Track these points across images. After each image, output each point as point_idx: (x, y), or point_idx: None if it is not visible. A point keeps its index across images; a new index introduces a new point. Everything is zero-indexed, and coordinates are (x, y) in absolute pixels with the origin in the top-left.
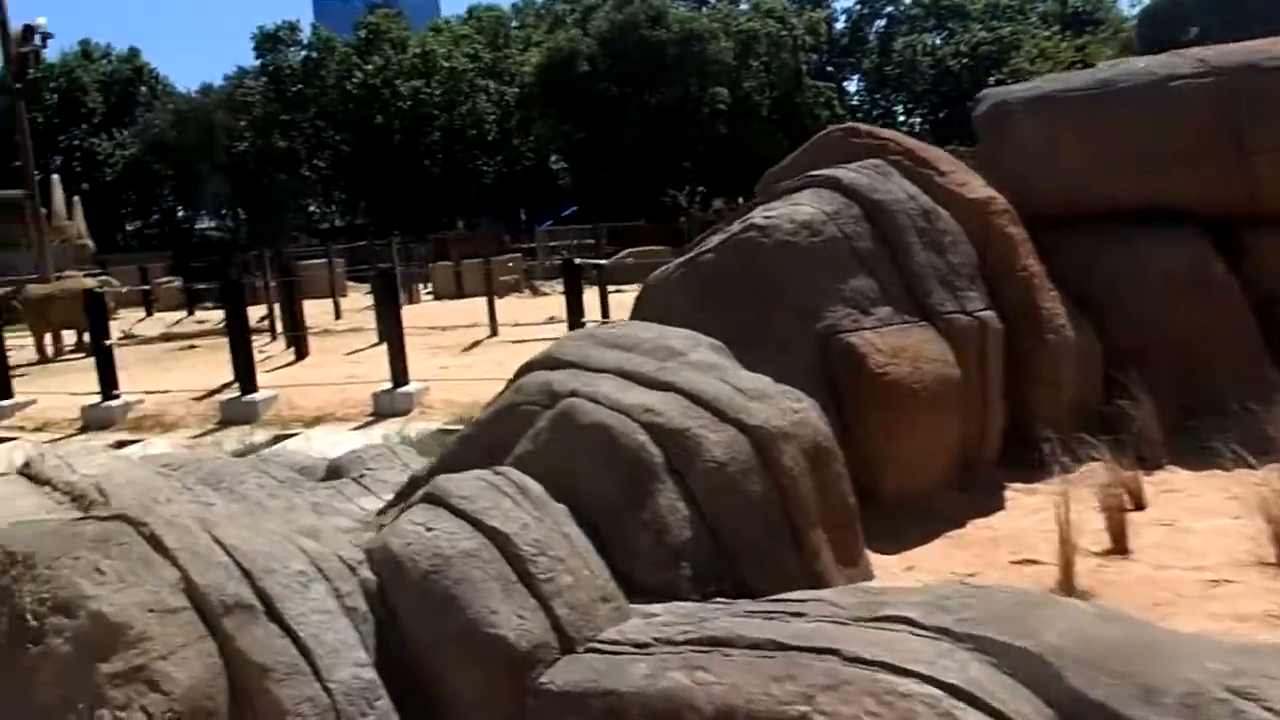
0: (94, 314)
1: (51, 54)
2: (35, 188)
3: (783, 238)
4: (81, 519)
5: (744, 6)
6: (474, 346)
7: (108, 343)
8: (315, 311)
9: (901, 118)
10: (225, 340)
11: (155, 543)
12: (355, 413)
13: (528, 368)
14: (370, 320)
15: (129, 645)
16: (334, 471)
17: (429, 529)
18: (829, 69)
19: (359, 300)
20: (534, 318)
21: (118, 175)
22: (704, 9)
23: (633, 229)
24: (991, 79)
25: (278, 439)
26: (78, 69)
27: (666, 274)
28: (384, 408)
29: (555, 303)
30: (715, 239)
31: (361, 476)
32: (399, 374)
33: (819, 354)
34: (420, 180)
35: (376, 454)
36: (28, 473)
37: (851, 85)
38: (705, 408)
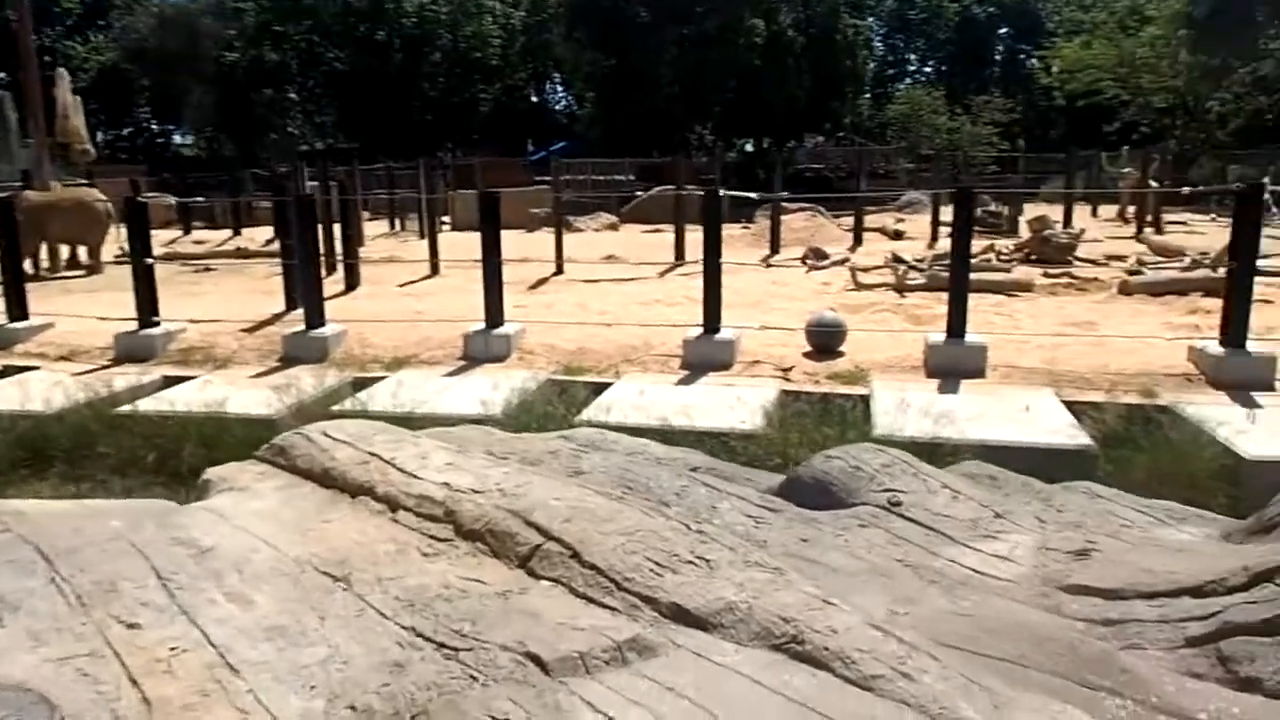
0: (135, 226)
1: None
2: (35, 82)
3: None
4: None
5: None
6: (541, 284)
7: (150, 261)
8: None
9: (913, 66)
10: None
11: None
12: (443, 355)
13: None
14: (405, 249)
15: None
16: (816, 486)
17: None
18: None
19: (371, 228)
20: (586, 255)
21: (91, 82)
22: None
23: (661, 166)
24: (1003, 30)
25: (360, 382)
26: None
27: None
28: (477, 351)
29: (593, 239)
30: None
31: (896, 503)
32: (495, 313)
33: None
34: (418, 105)
35: (883, 464)
36: (290, 464)
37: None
38: None
